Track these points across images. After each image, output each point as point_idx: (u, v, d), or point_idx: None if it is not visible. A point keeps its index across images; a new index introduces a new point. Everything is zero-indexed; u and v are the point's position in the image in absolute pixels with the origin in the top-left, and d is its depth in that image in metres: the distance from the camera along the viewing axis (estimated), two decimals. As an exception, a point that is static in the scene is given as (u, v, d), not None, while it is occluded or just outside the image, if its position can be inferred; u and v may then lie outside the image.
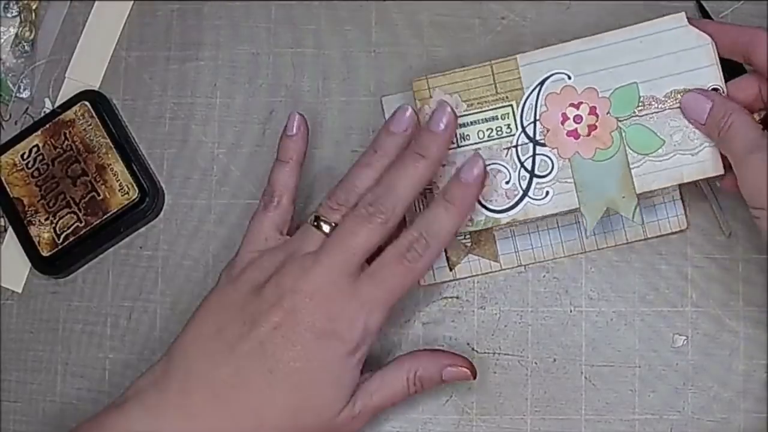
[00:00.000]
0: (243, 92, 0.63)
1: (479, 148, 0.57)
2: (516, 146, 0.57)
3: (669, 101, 0.57)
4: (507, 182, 0.57)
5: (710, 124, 0.55)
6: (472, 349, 0.60)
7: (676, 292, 0.60)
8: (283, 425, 0.53)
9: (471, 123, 0.58)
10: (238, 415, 0.53)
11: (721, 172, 0.56)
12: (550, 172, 0.57)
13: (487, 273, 0.60)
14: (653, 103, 0.57)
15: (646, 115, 0.57)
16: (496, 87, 0.58)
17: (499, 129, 0.57)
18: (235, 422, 0.53)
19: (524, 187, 0.57)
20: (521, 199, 0.57)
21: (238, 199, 0.62)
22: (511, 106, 0.57)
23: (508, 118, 0.57)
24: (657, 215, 0.60)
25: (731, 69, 0.57)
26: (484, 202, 0.57)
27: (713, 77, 0.56)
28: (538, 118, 0.57)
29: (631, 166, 0.57)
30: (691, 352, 0.60)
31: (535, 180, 0.57)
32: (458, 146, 0.57)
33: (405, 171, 0.54)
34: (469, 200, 0.55)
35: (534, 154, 0.57)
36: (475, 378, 0.57)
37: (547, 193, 0.57)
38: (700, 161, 0.56)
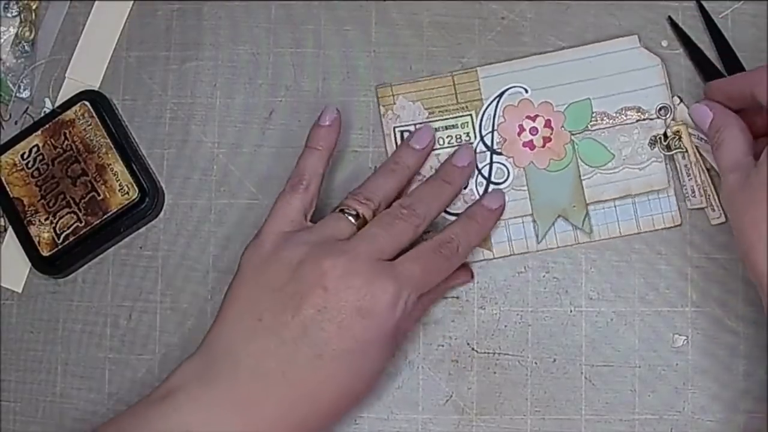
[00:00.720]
0: (243, 92, 0.63)
1: (439, 154, 0.61)
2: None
3: (620, 117, 0.60)
4: (465, 187, 0.61)
5: (710, 134, 0.57)
6: (472, 349, 0.60)
7: (676, 292, 0.60)
8: (338, 403, 0.53)
9: None
10: (293, 403, 0.52)
11: (666, 185, 0.59)
12: (506, 180, 0.61)
13: (479, 261, 0.60)
14: (605, 118, 0.60)
15: (598, 129, 0.60)
16: (456, 97, 0.61)
17: (458, 137, 0.61)
18: (292, 410, 0.52)
19: (481, 192, 0.61)
20: None
21: (238, 199, 0.62)
22: (471, 115, 0.61)
23: (467, 126, 0.61)
24: (651, 210, 0.60)
25: None
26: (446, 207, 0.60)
27: (662, 96, 0.60)
28: (495, 128, 0.61)
29: (583, 178, 0.60)
30: (691, 352, 0.60)
31: (491, 186, 0.61)
32: None
33: (433, 190, 0.58)
34: (491, 223, 0.59)
35: (491, 162, 0.61)
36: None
37: None
38: (647, 175, 0.60)
